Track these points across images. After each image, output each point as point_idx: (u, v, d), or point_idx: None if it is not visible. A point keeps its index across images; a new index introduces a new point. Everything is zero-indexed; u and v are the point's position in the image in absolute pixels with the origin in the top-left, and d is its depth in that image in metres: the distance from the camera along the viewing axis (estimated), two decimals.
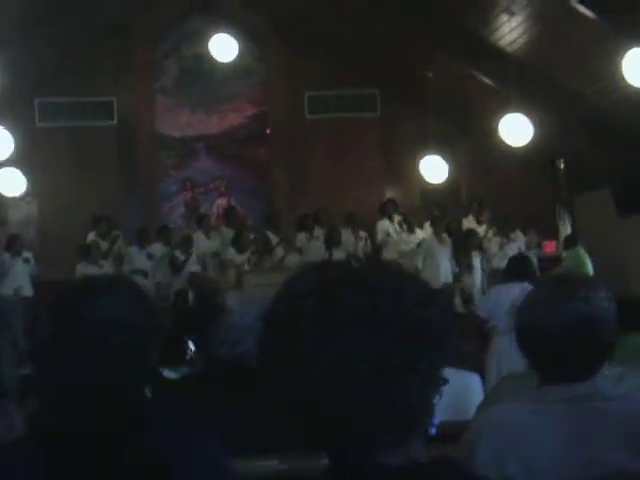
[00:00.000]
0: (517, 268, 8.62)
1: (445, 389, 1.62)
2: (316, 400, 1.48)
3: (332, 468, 1.53)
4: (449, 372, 3.53)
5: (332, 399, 1.47)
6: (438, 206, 15.74)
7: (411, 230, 15.33)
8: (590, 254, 14.40)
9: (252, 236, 14.67)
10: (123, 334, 2.11)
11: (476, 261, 14.32)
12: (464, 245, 14.41)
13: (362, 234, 15.28)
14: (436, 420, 1.79)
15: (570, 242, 14.80)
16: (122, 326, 2.11)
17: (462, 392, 3.95)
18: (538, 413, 2.49)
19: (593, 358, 2.54)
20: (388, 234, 15.44)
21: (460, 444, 2.54)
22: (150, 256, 14.63)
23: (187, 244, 14.57)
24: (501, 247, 14.85)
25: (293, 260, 14.01)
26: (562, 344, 2.50)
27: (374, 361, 1.47)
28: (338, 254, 13.47)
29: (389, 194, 17.07)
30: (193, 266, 14.31)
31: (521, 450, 2.41)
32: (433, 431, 2.85)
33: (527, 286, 7.67)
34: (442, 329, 1.55)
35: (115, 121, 16.87)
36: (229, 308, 3.56)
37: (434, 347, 1.53)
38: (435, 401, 1.55)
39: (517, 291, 7.35)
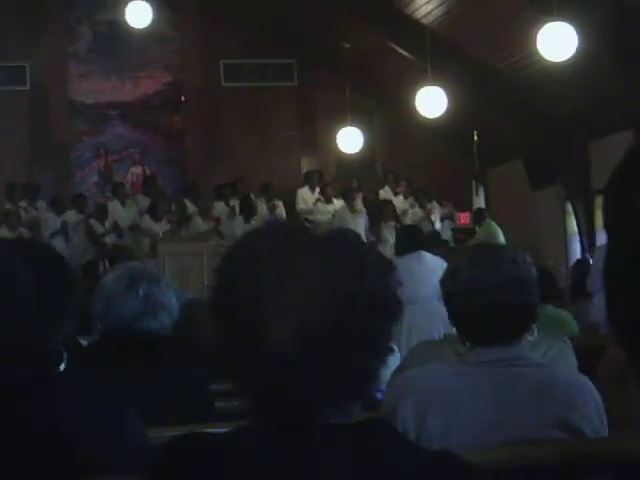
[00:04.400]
0: (410, 239, 8.62)
1: None
2: (268, 367, 1.46)
3: (269, 425, 1.51)
4: None
5: (286, 367, 1.45)
6: (355, 177, 15.80)
7: (328, 201, 15.34)
8: (502, 226, 14.60)
9: (169, 205, 14.61)
10: (37, 294, 2.10)
11: (391, 232, 14.41)
12: (379, 216, 14.51)
13: (277, 203, 15.22)
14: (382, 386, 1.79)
15: (480, 217, 14.90)
16: (37, 285, 2.11)
17: None
18: (461, 374, 2.53)
19: (520, 320, 2.58)
20: (307, 202, 15.42)
21: (383, 403, 2.56)
22: (65, 224, 14.48)
23: (103, 213, 14.46)
24: (417, 218, 14.98)
25: (210, 229, 13.95)
26: (491, 306, 2.52)
27: (334, 332, 1.45)
28: (255, 223, 13.44)
29: (305, 164, 17.06)
30: (108, 235, 14.20)
31: (441, 408, 2.45)
32: (379, 395, 2.91)
33: (423, 254, 8.02)
34: (397, 300, 1.54)
35: (27, 86, 16.54)
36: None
37: (392, 319, 1.53)
38: (381, 370, 1.55)
39: (413, 261, 7.80)
